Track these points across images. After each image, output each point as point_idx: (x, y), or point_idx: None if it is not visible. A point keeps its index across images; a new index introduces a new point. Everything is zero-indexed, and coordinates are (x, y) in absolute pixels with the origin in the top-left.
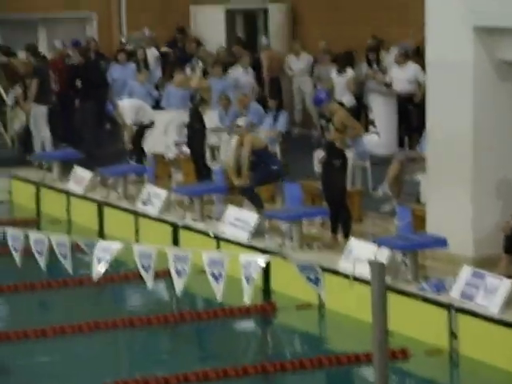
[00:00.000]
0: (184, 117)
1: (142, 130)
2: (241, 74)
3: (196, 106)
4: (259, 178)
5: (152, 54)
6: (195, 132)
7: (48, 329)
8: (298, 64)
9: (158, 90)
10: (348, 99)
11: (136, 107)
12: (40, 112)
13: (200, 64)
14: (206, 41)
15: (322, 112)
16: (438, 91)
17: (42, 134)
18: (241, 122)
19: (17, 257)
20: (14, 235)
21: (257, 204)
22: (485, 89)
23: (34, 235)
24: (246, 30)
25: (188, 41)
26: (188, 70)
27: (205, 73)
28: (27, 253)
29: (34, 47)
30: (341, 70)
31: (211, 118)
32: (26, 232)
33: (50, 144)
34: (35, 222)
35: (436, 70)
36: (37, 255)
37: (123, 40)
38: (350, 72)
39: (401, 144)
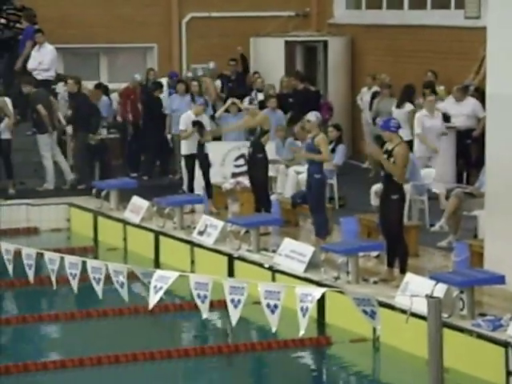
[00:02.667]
0: (242, 148)
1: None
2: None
3: (258, 137)
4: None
5: (214, 85)
6: (258, 163)
7: (103, 357)
8: (367, 97)
9: (215, 120)
10: (406, 133)
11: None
12: (41, 141)
13: (258, 96)
14: (266, 73)
15: (383, 144)
16: (498, 125)
17: (56, 160)
18: (312, 117)
19: (74, 284)
20: (71, 262)
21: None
22: None
23: (91, 263)
24: (306, 63)
25: (246, 72)
26: (246, 102)
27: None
28: (84, 280)
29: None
30: (399, 105)
31: (268, 149)
32: (83, 259)
33: (69, 169)
34: (92, 250)
35: (496, 104)
36: (94, 283)
37: (186, 73)
38: (408, 106)
39: (459, 179)
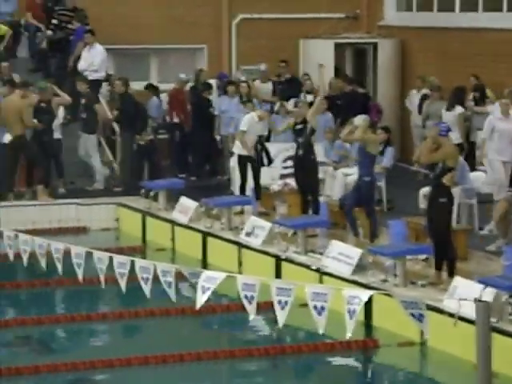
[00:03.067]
0: (290, 149)
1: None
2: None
3: (308, 138)
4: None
5: (264, 88)
6: (309, 163)
7: (150, 357)
8: (416, 100)
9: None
10: (456, 136)
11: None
12: (90, 141)
13: (307, 98)
14: (315, 75)
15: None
16: None
17: (93, 164)
18: (360, 120)
19: (122, 283)
20: (120, 262)
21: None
22: None
23: (139, 262)
24: (355, 65)
25: (293, 74)
26: (291, 105)
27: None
28: (133, 280)
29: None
30: (449, 108)
31: (316, 151)
32: (132, 259)
33: (102, 174)
34: (141, 250)
35: None
36: (142, 282)
37: (236, 74)
38: (458, 109)
39: (510, 183)
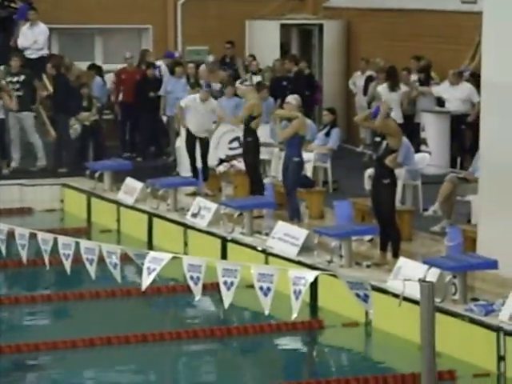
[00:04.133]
0: (236, 130)
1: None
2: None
3: (247, 123)
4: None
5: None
6: (248, 147)
7: (96, 339)
8: (361, 81)
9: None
10: (397, 116)
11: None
12: (28, 119)
13: (254, 79)
14: (261, 55)
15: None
16: (493, 112)
17: (32, 141)
18: (292, 99)
19: (67, 265)
20: (64, 243)
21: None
22: None
23: (84, 243)
24: (301, 46)
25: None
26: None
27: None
28: (77, 261)
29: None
30: (394, 87)
31: (262, 133)
32: (76, 240)
33: (42, 151)
34: (86, 231)
35: (491, 91)
36: (87, 264)
37: (177, 54)
38: (403, 88)
39: (453, 164)
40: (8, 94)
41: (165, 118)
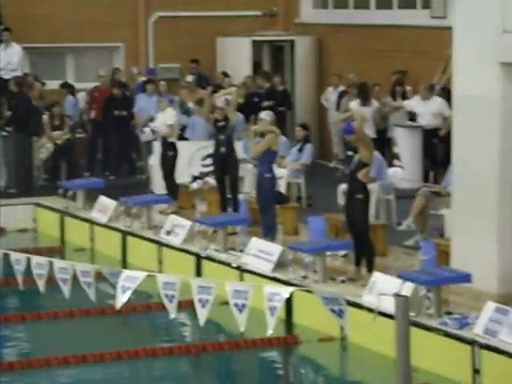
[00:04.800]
0: (208, 147)
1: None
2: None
3: (230, 135)
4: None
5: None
6: (230, 162)
7: (70, 357)
8: (334, 97)
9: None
10: (369, 131)
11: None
12: None
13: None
14: (232, 72)
15: (349, 143)
16: (465, 126)
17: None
18: (265, 115)
19: (41, 285)
20: (38, 263)
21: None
22: (511, 124)
23: (58, 263)
24: (273, 62)
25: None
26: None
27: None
28: (51, 281)
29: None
30: (365, 102)
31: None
32: (50, 260)
33: (4, 171)
34: (59, 250)
35: (463, 105)
36: (60, 283)
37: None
38: (375, 104)
39: (425, 178)
40: None
41: (143, 136)
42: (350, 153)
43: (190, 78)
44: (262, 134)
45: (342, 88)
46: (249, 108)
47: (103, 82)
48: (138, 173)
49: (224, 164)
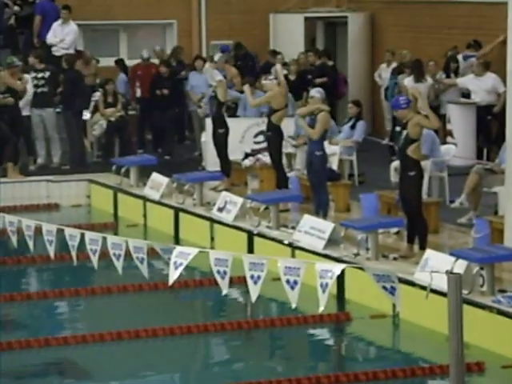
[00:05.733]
0: (261, 124)
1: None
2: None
3: (268, 116)
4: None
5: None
6: (269, 140)
7: (123, 332)
8: (387, 73)
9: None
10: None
11: None
12: (51, 115)
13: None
14: (285, 49)
15: (398, 119)
16: None
17: (50, 137)
18: (316, 93)
19: (94, 260)
20: (92, 239)
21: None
22: None
23: (111, 239)
24: (326, 39)
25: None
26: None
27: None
28: (105, 256)
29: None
30: (420, 79)
31: (287, 126)
32: (103, 236)
33: (59, 149)
34: (113, 227)
35: None
36: (114, 259)
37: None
38: (429, 80)
39: (479, 155)
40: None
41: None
42: (398, 128)
43: (216, 57)
44: (313, 113)
45: (395, 65)
46: (301, 85)
47: (144, 61)
48: (187, 151)
49: (268, 141)
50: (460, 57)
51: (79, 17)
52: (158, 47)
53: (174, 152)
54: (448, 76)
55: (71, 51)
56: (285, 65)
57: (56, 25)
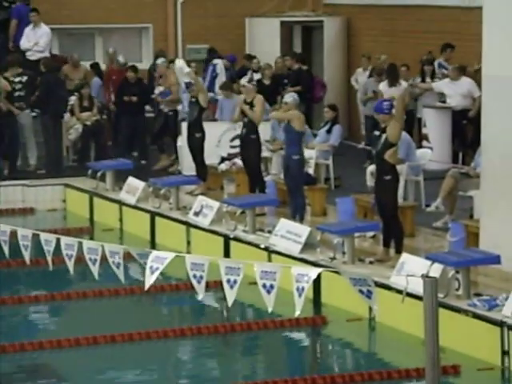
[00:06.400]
0: (237, 129)
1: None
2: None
3: (250, 118)
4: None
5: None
6: (250, 143)
7: (99, 337)
8: (364, 77)
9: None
10: None
11: None
12: (27, 118)
13: (254, 76)
14: (262, 53)
15: (376, 124)
16: (494, 106)
17: (25, 141)
18: (289, 98)
19: (70, 265)
20: (67, 243)
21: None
22: None
23: (87, 243)
24: (302, 43)
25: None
26: (244, 80)
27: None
28: (80, 261)
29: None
30: (394, 83)
31: (264, 130)
32: (79, 240)
33: (35, 151)
34: (88, 231)
35: (492, 85)
36: (90, 264)
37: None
38: (403, 84)
39: (454, 159)
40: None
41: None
42: (376, 133)
43: (159, 61)
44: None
45: (370, 69)
46: (275, 89)
47: (117, 65)
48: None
49: (245, 146)
50: (436, 64)
51: (54, 21)
52: (111, 49)
53: (149, 156)
54: (423, 80)
55: (46, 54)
56: (259, 69)
57: (28, 29)
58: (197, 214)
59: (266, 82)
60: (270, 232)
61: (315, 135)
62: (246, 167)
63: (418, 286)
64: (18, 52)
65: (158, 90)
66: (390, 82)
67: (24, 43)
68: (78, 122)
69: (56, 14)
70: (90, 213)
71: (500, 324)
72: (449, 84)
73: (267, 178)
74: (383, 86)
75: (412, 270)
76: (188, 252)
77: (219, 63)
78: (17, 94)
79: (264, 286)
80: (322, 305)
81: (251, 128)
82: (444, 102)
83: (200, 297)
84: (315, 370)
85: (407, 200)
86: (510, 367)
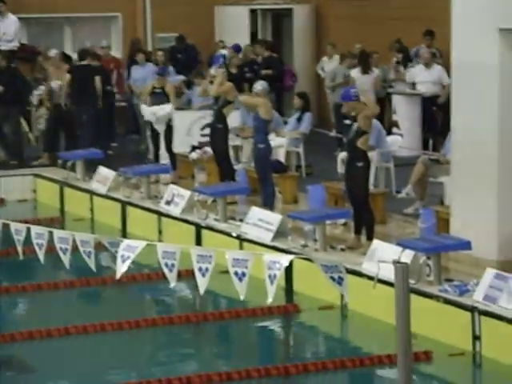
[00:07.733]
0: (208, 117)
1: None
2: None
3: (220, 108)
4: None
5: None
6: (218, 132)
7: (71, 328)
8: (330, 65)
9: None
10: (372, 98)
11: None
12: None
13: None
14: (231, 41)
15: (347, 111)
16: (463, 93)
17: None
18: (258, 86)
19: (41, 255)
20: (38, 233)
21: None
22: (510, 90)
23: (58, 233)
24: (271, 30)
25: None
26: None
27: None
28: (51, 251)
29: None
30: (366, 70)
31: (234, 118)
32: (50, 230)
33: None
34: (59, 221)
35: (461, 72)
36: (61, 253)
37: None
38: (376, 72)
39: (424, 146)
40: None
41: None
42: (347, 121)
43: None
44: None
45: (336, 57)
46: (242, 77)
47: (105, 53)
48: (133, 145)
49: (212, 134)
50: (413, 51)
51: (23, 10)
52: (104, 42)
53: (110, 147)
54: (397, 69)
55: (16, 43)
56: (224, 58)
57: None
58: (168, 202)
59: (233, 70)
60: (241, 220)
61: (286, 123)
62: (215, 156)
63: (389, 273)
64: None
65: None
66: (362, 69)
67: None
68: (47, 111)
69: (25, 3)
70: (60, 203)
71: (471, 309)
72: (422, 71)
73: (238, 167)
74: (356, 73)
75: (383, 256)
76: (160, 241)
77: (226, 53)
78: None
79: (236, 273)
80: (294, 293)
81: (218, 117)
82: (414, 88)
83: (172, 285)
84: (288, 358)
85: (378, 187)
86: (482, 352)
